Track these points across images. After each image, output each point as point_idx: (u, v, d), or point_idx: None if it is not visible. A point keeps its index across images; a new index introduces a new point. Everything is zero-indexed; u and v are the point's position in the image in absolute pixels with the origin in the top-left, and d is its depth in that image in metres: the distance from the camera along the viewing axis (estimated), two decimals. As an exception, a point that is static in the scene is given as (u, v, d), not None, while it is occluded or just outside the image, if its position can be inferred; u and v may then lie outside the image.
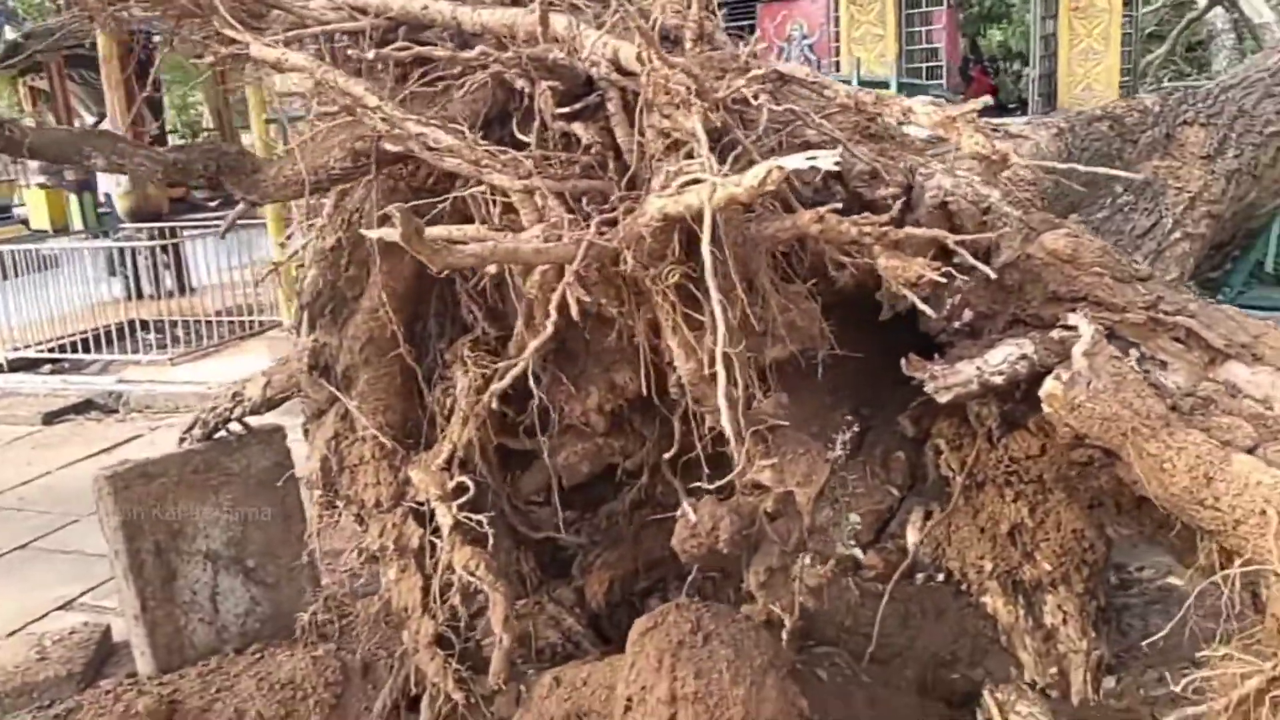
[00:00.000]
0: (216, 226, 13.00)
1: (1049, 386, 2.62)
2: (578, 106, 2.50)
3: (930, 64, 10.27)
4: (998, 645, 3.48)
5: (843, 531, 2.90)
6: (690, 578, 3.30)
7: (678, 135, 2.21)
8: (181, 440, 4.26)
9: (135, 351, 9.36)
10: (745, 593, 3.02)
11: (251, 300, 9.83)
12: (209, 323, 9.59)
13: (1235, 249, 6.88)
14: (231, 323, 9.57)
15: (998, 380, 2.92)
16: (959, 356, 3.02)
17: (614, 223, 2.27)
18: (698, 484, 3.71)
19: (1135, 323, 2.85)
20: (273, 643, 3.94)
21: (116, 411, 8.19)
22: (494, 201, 2.51)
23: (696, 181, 2.00)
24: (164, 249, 11.53)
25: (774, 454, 2.59)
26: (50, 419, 7.98)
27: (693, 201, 2.00)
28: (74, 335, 9.67)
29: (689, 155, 2.22)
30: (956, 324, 3.12)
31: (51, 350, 9.67)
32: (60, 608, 4.77)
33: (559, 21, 2.46)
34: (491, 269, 2.66)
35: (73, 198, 19.32)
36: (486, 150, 2.38)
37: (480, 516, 3.29)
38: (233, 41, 2.58)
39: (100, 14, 2.70)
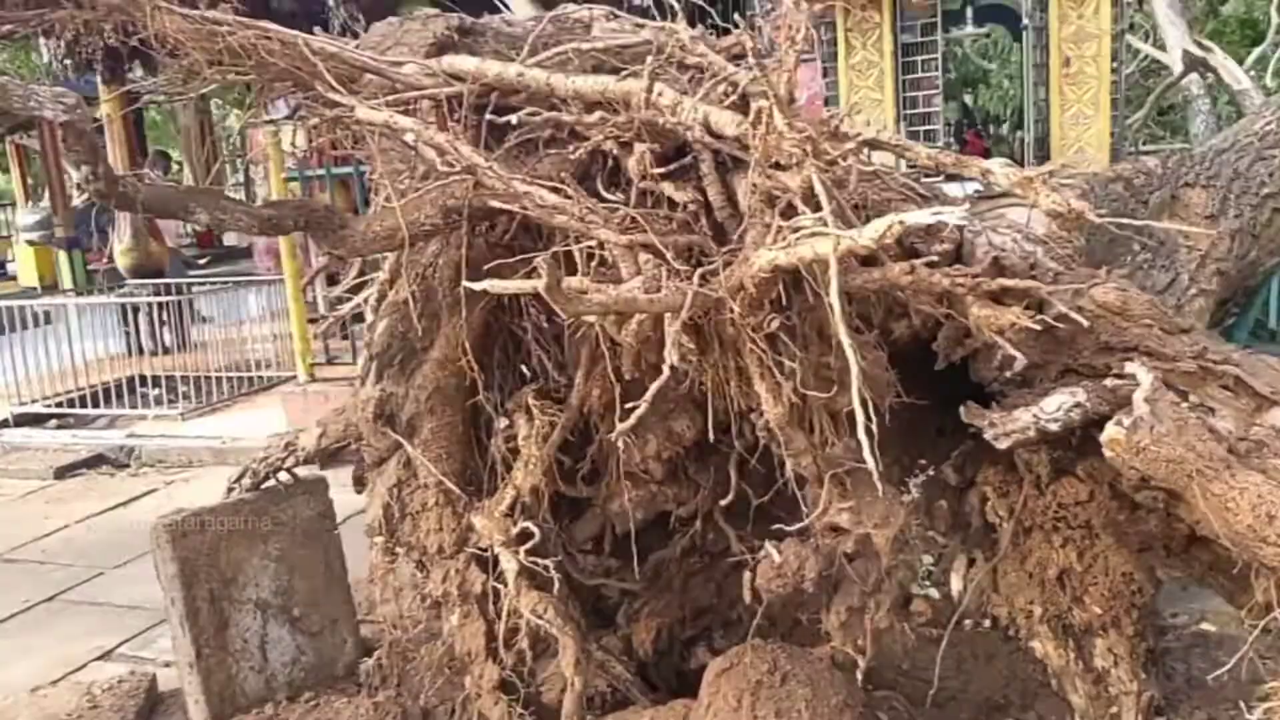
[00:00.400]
0: (213, 283, 13.11)
1: (1111, 432, 2.73)
2: (672, 167, 2.64)
3: (926, 128, 10.55)
4: (1048, 689, 3.57)
5: (916, 573, 2.99)
6: (754, 623, 3.37)
7: (778, 193, 2.35)
8: (230, 490, 4.31)
9: (144, 406, 9.37)
10: (824, 633, 3.10)
11: (258, 356, 9.89)
12: (216, 379, 9.61)
13: (1235, 306, 7.11)
14: (239, 378, 9.59)
15: (1054, 427, 3.03)
16: (1014, 405, 3.14)
17: (713, 274, 2.40)
18: (749, 529, 3.82)
19: (1186, 371, 2.98)
20: (325, 690, 3.97)
21: (128, 466, 8.18)
22: (587, 255, 2.64)
23: (813, 234, 2.12)
24: (163, 305, 11.60)
25: (851, 497, 2.70)
26: (62, 473, 7.96)
27: (805, 253, 2.12)
28: (80, 390, 9.67)
29: (785, 211, 2.36)
30: (1008, 374, 3.24)
31: (58, 405, 9.66)
32: (99, 658, 4.76)
33: (657, 88, 2.61)
34: (593, 318, 2.75)
35: (61, 255, 19.34)
36: (590, 208, 2.51)
37: (546, 561, 3.37)
38: (333, 104, 2.71)
39: (200, 74, 2.82)
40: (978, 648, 3.70)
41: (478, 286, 2.47)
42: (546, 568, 3.34)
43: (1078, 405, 3.01)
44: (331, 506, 4.54)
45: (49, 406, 9.62)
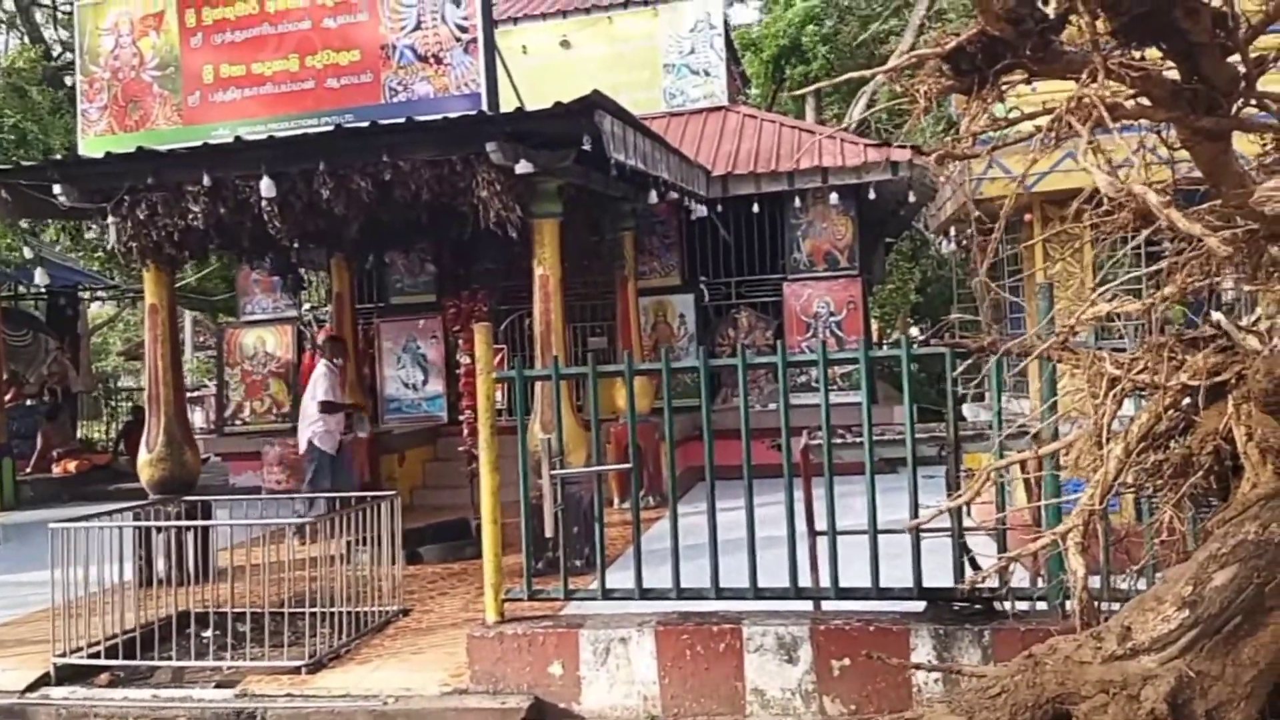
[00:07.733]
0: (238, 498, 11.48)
1: None
2: None
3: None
4: None
5: None
6: None
7: None
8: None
9: (216, 656, 7.62)
10: None
11: (334, 586, 8.22)
12: (287, 615, 7.85)
13: None
14: (324, 614, 7.87)
15: None
16: None
17: None
18: None
19: None
20: None
21: (248, 738, 6.42)
22: None
23: None
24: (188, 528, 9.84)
25: None
26: (171, 752, 6.16)
27: None
28: (127, 633, 7.80)
29: None
30: None
31: (93, 654, 7.73)
32: None
33: None
34: None
35: (-9, 465, 17.07)
36: None
37: None
38: None
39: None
40: None
41: None
42: None
43: None
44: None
45: (84, 657, 7.68)
